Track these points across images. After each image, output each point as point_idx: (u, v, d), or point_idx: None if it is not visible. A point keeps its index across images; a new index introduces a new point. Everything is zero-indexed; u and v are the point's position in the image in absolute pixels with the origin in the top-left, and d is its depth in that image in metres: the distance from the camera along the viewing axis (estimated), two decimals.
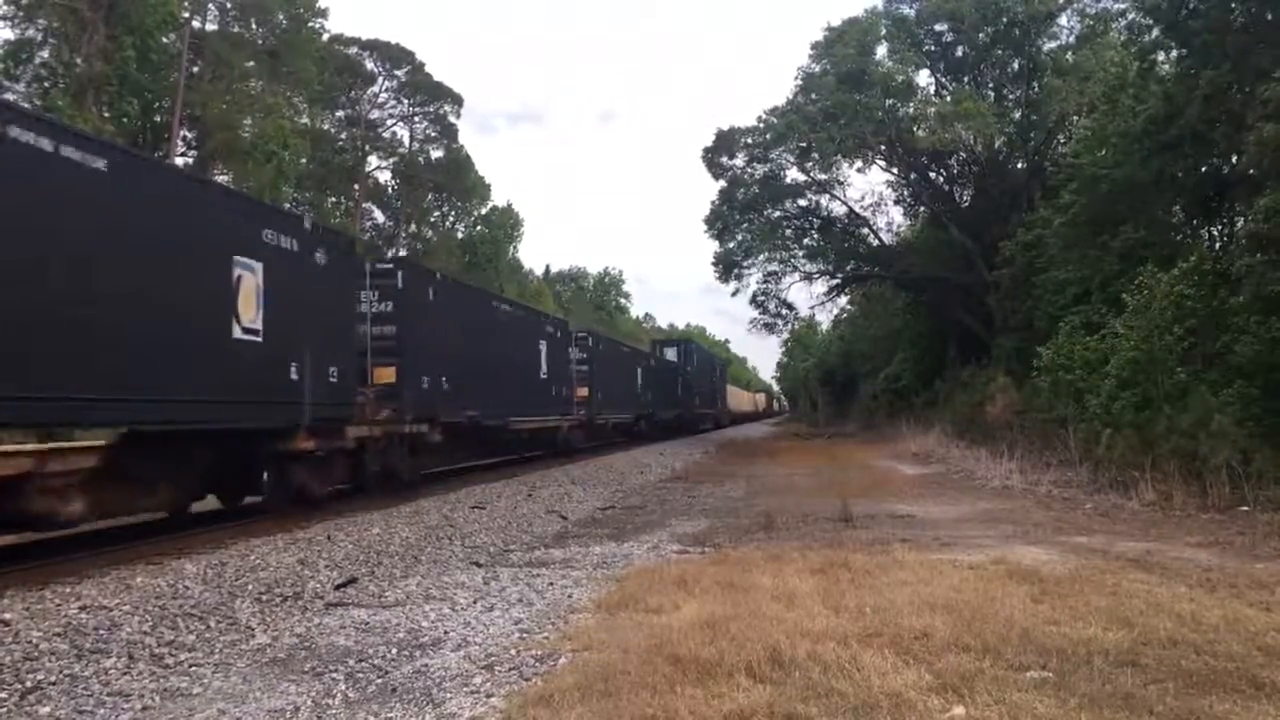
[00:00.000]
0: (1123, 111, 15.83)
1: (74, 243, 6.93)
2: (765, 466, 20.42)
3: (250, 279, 8.94)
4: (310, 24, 35.87)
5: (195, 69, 31.06)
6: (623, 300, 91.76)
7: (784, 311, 34.56)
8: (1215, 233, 15.83)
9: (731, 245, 31.81)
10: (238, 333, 8.76)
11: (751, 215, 31.35)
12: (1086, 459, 13.32)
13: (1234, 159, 13.84)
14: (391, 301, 12.69)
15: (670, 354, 40.47)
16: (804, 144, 27.37)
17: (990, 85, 27.78)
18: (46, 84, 26.18)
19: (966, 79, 28.05)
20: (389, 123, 47.41)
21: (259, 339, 9.04)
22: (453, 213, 52.40)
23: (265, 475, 9.97)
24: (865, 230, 32.62)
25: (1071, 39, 25.83)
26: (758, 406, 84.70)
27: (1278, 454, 10.22)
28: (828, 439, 36.29)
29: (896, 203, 32.99)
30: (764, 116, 29.18)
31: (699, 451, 26.49)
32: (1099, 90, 18.54)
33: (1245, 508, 9.59)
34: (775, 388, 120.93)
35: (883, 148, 27.68)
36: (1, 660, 4.59)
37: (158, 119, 30.13)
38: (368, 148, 45.96)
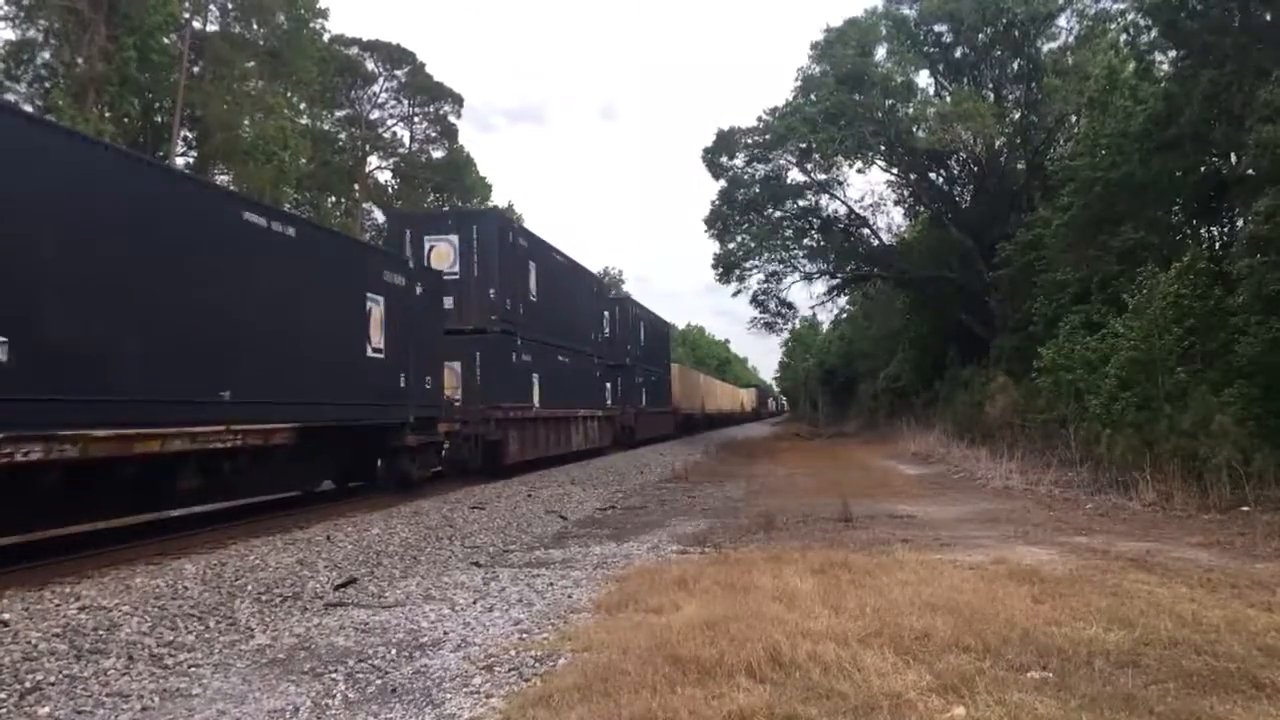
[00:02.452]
0: (1115, 113, 15.82)
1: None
2: (765, 466, 20.42)
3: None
4: (311, 24, 35.82)
5: (196, 69, 31.01)
6: None
7: (784, 311, 34.69)
8: (1215, 232, 15.82)
9: (732, 246, 31.81)
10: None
11: (752, 215, 31.35)
12: (1087, 459, 13.31)
13: (1234, 159, 13.83)
14: None
15: (440, 246, 15.32)
16: (804, 144, 27.37)
17: (990, 86, 27.75)
18: (47, 84, 26.15)
19: (966, 79, 28.03)
20: (389, 123, 47.36)
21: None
22: None
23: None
24: (865, 230, 32.71)
25: (1071, 39, 25.85)
26: (744, 406, 71.70)
27: (1278, 454, 10.21)
28: (828, 439, 36.33)
29: (896, 203, 33.08)
30: (764, 117, 29.22)
31: (699, 452, 26.52)
32: (1090, 93, 18.55)
33: (1245, 508, 9.58)
34: (775, 388, 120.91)
35: (883, 148, 27.66)
36: (1, 660, 4.58)
37: (158, 119, 30.08)
38: (368, 148, 45.90)
